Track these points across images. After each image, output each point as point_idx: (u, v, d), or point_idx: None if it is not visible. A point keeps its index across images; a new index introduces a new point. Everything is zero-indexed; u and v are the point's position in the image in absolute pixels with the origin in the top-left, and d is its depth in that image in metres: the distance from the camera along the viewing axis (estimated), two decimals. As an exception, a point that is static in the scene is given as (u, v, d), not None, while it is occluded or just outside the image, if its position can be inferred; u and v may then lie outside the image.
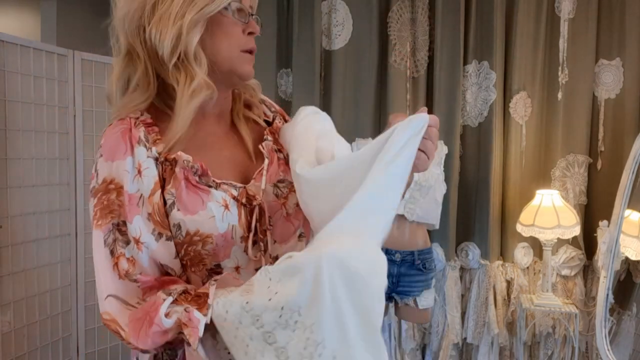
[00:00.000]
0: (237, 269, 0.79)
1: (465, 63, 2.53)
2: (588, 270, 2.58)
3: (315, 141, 0.82)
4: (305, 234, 0.87)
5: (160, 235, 0.75)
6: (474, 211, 2.57)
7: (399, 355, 2.63)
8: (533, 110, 2.55)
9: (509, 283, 2.58)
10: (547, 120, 2.56)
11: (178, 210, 0.75)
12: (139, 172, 0.74)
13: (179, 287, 0.73)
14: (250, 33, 0.86)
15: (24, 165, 2.15)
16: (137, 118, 0.79)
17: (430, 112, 2.53)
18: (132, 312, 0.72)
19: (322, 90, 2.60)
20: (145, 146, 0.76)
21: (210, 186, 0.77)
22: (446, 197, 2.32)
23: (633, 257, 2.30)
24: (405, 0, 2.53)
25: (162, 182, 0.76)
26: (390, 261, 2.03)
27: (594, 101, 2.54)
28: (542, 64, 2.54)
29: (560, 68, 2.52)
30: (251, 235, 0.78)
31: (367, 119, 2.57)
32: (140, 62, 0.79)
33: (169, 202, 0.75)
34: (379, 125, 2.57)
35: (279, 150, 0.87)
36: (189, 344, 0.66)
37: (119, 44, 0.85)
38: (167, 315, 0.68)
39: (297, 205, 0.81)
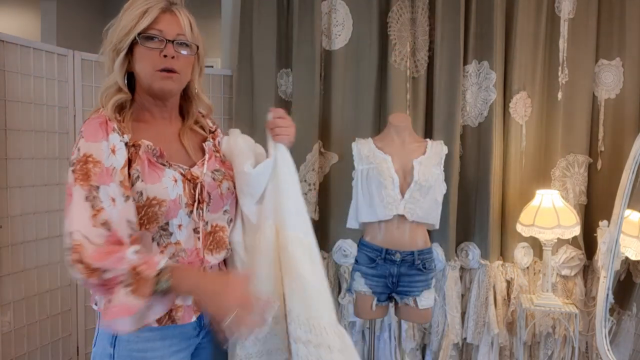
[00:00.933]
0: (179, 226, 1.10)
1: (465, 63, 2.53)
2: (588, 270, 2.58)
3: (254, 150, 1.28)
4: (229, 211, 1.21)
5: (127, 197, 1.02)
6: (474, 211, 2.57)
7: (399, 355, 2.63)
8: (533, 110, 2.55)
9: (509, 283, 2.58)
10: (547, 120, 2.56)
11: (142, 181, 1.04)
12: (113, 151, 1.03)
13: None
14: (165, 56, 1.07)
15: (24, 165, 2.15)
16: (112, 114, 1.09)
17: (430, 112, 2.50)
18: (98, 247, 0.96)
19: (322, 90, 2.60)
20: (118, 134, 1.05)
21: (164, 165, 1.09)
22: (446, 197, 2.32)
23: (633, 257, 2.30)
24: (405, 0, 2.53)
25: (129, 162, 1.05)
26: (391, 261, 2.03)
27: (594, 101, 2.54)
28: (542, 64, 2.54)
29: (560, 68, 2.52)
30: (196, 203, 1.11)
31: (367, 119, 2.57)
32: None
33: (134, 175, 1.05)
34: (378, 125, 2.57)
35: (217, 151, 1.23)
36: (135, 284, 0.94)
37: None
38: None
39: (229, 189, 1.18)
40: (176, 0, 1.13)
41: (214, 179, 1.16)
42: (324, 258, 2.65)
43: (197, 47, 1.13)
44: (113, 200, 1.00)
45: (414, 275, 2.04)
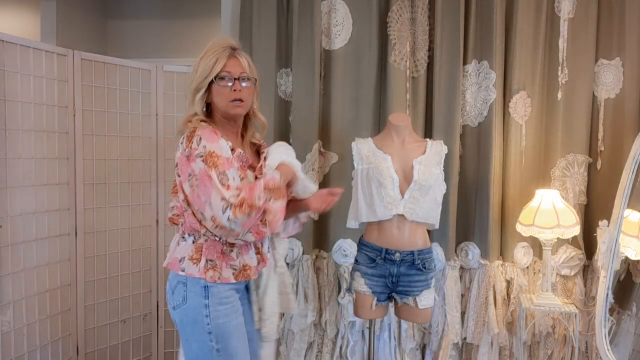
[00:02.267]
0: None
1: (465, 63, 2.53)
2: (588, 270, 2.58)
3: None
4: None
5: (242, 178, 1.50)
6: (474, 211, 2.57)
7: (399, 355, 2.63)
8: (533, 110, 2.55)
9: (509, 283, 2.58)
10: (547, 120, 2.56)
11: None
12: (226, 150, 1.48)
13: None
14: (234, 90, 1.53)
15: (24, 165, 2.15)
16: (211, 127, 1.53)
17: (430, 112, 2.52)
18: (248, 187, 1.46)
19: (322, 90, 2.60)
20: (225, 140, 1.50)
21: (248, 169, 1.57)
22: (446, 197, 2.32)
23: (633, 257, 2.30)
24: (405, 0, 2.53)
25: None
26: (390, 261, 2.03)
27: (594, 101, 2.54)
28: (542, 64, 2.54)
29: (560, 68, 2.52)
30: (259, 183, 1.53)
31: (367, 119, 2.57)
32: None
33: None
34: (378, 124, 2.57)
35: (265, 159, 1.66)
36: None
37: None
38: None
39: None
40: (237, 46, 1.57)
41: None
42: (324, 258, 2.66)
43: (255, 80, 1.59)
44: (234, 179, 1.44)
45: (414, 275, 2.04)
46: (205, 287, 1.50)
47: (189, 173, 1.43)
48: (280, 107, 2.66)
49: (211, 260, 1.51)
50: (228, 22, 2.80)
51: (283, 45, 2.64)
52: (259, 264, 1.61)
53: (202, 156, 1.41)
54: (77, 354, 2.42)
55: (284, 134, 2.65)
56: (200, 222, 1.47)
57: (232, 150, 1.50)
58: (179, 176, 1.49)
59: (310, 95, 2.55)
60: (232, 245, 1.53)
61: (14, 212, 2.11)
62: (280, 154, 1.63)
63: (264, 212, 1.42)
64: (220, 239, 1.51)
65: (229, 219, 1.38)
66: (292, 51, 2.58)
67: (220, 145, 1.45)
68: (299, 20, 2.54)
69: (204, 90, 1.51)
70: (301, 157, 2.56)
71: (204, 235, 1.52)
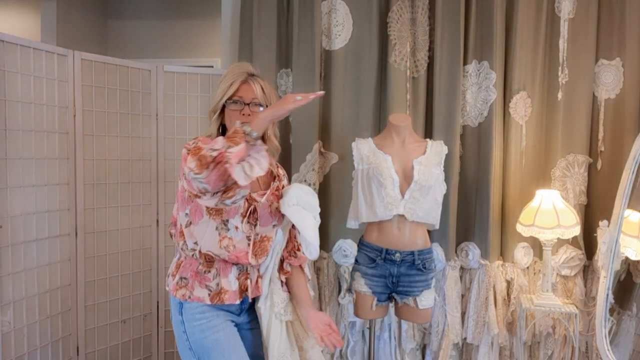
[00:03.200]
0: (236, 227, 1.53)
1: (465, 63, 2.53)
2: (588, 270, 2.58)
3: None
4: (277, 225, 1.65)
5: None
6: (474, 211, 2.57)
7: (399, 355, 2.63)
8: (533, 110, 2.55)
9: (509, 283, 2.58)
10: (547, 120, 2.56)
11: None
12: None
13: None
14: (243, 114, 1.55)
15: (24, 165, 2.15)
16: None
17: (430, 112, 2.52)
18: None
19: (322, 90, 2.60)
20: None
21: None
22: (446, 197, 2.32)
23: (633, 257, 2.30)
24: (405, 0, 2.53)
25: None
26: (390, 261, 2.03)
27: (594, 101, 2.54)
28: (542, 64, 2.54)
29: (560, 68, 2.52)
30: (245, 219, 1.54)
31: (367, 119, 2.57)
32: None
33: None
34: (378, 125, 2.57)
35: (277, 189, 1.66)
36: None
37: None
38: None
39: (277, 209, 1.62)
40: (254, 72, 1.61)
41: (266, 202, 1.58)
42: (324, 258, 2.65)
43: (268, 106, 1.56)
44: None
45: (414, 275, 2.04)
46: (179, 303, 1.55)
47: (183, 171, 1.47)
48: (280, 107, 2.66)
49: (184, 278, 1.55)
50: (228, 22, 2.80)
51: (283, 45, 2.64)
52: (243, 290, 1.57)
53: (192, 145, 1.44)
54: (77, 354, 2.42)
55: (284, 134, 2.65)
56: (180, 236, 1.55)
57: None
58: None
59: (310, 95, 2.55)
60: (210, 265, 1.54)
61: (14, 212, 2.11)
62: (298, 194, 1.63)
63: (220, 164, 1.30)
64: (198, 257, 1.54)
65: (191, 175, 1.32)
66: (292, 51, 2.58)
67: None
68: (299, 20, 2.54)
69: (218, 112, 1.58)
70: (301, 157, 2.56)
71: (182, 251, 1.57)
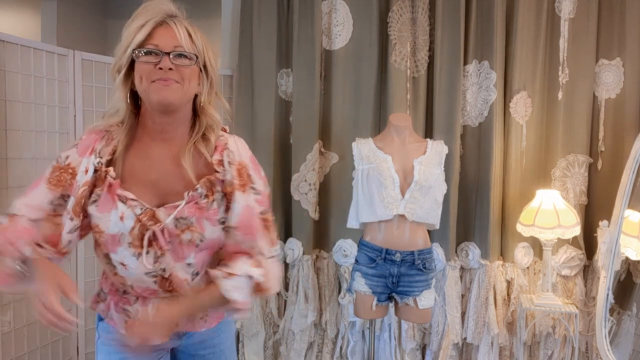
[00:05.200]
0: (122, 264, 1.10)
1: (465, 63, 2.53)
2: (588, 270, 2.58)
3: None
4: (194, 265, 1.13)
5: (72, 218, 1.08)
6: (474, 211, 2.57)
7: (399, 355, 2.62)
8: (533, 110, 2.55)
9: (509, 283, 2.57)
10: (548, 120, 2.56)
11: (96, 206, 1.08)
12: (86, 172, 1.09)
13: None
14: (160, 68, 1.04)
15: (24, 165, 2.15)
16: (108, 131, 1.13)
17: (430, 111, 2.52)
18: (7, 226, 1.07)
19: (322, 90, 2.60)
20: (95, 156, 1.09)
21: (121, 200, 1.07)
22: (446, 197, 2.32)
23: (633, 257, 2.30)
24: (405, 0, 2.53)
25: (94, 185, 1.09)
26: (391, 261, 2.03)
27: (594, 101, 2.54)
28: (543, 64, 2.54)
29: (560, 68, 2.52)
30: (144, 249, 1.07)
31: (367, 119, 2.57)
32: None
33: (93, 198, 1.08)
34: (379, 125, 2.57)
35: (207, 196, 1.10)
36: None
37: None
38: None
39: (190, 241, 1.09)
40: (174, 12, 1.08)
41: (176, 226, 1.08)
42: (324, 258, 2.66)
43: (198, 57, 1.07)
44: (65, 214, 1.09)
45: (414, 275, 2.04)
46: (98, 315, 1.27)
47: None
48: (281, 107, 2.66)
49: (103, 292, 1.24)
50: (228, 22, 2.80)
51: (283, 45, 2.64)
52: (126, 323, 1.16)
53: (56, 163, 1.15)
54: (77, 354, 2.42)
55: (284, 134, 2.65)
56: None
57: (101, 170, 1.09)
58: None
59: (310, 95, 2.55)
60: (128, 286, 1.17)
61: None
62: None
63: None
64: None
65: None
66: (292, 51, 2.58)
67: (84, 163, 1.09)
68: (299, 20, 2.54)
69: (124, 70, 1.07)
70: (301, 157, 2.56)
71: None
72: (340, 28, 2.57)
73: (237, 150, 1.15)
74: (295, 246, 2.59)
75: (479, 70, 2.53)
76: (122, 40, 1.07)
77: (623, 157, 2.35)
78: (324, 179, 2.64)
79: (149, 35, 1.04)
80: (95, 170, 1.08)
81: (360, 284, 2.06)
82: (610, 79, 2.51)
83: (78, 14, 4.46)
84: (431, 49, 2.55)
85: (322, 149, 2.62)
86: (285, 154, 2.63)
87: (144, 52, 1.04)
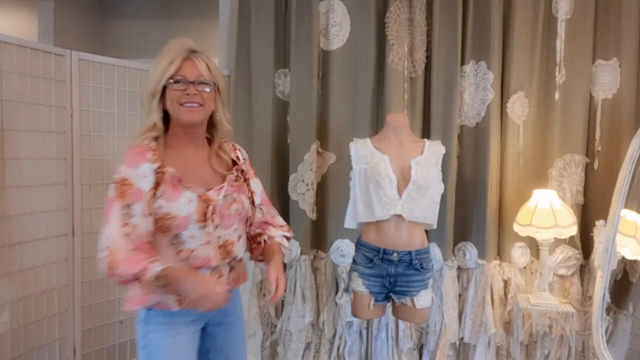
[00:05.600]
0: (191, 237, 1.38)
1: (462, 63, 2.53)
2: (585, 270, 2.59)
3: None
4: (238, 229, 1.48)
5: (150, 214, 1.34)
6: (472, 211, 2.58)
7: (396, 354, 2.63)
8: (530, 110, 2.55)
9: (506, 283, 2.58)
10: (545, 120, 2.56)
11: (163, 199, 1.35)
12: (144, 177, 1.35)
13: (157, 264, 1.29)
14: (187, 94, 1.38)
15: (21, 166, 2.14)
16: (148, 145, 1.40)
17: (427, 112, 2.53)
18: (122, 254, 1.29)
19: (319, 90, 2.60)
20: (150, 163, 1.36)
21: (184, 187, 1.38)
22: (444, 197, 2.31)
23: (629, 257, 2.31)
24: (403, 0, 2.54)
25: (157, 184, 1.36)
26: (388, 261, 2.03)
27: (591, 101, 2.55)
28: (540, 64, 2.55)
29: (557, 68, 2.53)
30: (209, 221, 1.39)
31: (364, 119, 2.57)
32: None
33: (158, 195, 1.35)
34: (376, 125, 2.57)
35: (237, 179, 1.51)
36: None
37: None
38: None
39: (236, 210, 1.46)
40: (195, 49, 1.42)
41: (225, 200, 1.43)
42: (321, 258, 2.66)
43: (215, 84, 1.43)
44: (141, 215, 1.33)
45: (412, 275, 2.04)
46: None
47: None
48: (278, 107, 2.66)
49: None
50: (226, 22, 2.80)
51: (281, 45, 2.64)
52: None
53: (115, 182, 1.35)
54: (74, 355, 2.41)
55: (281, 134, 2.65)
56: None
57: (160, 172, 1.36)
58: None
59: (308, 96, 2.55)
60: None
61: (11, 212, 2.10)
62: None
63: (123, 284, 1.32)
64: None
65: (101, 259, 1.30)
66: (290, 51, 2.58)
67: (139, 171, 1.34)
68: (297, 20, 2.54)
69: (158, 95, 1.40)
70: (299, 157, 2.57)
71: None
72: (337, 28, 2.57)
73: (242, 150, 1.60)
74: (292, 246, 2.59)
75: (476, 70, 2.54)
76: (155, 72, 1.41)
77: (619, 157, 2.36)
78: (321, 179, 2.64)
79: (178, 68, 1.38)
80: (155, 173, 1.35)
81: (358, 284, 2.06)
82: (606, 79, 2.52)
83: (75, 13, 4.45)
84: (428, 50, 2.56)
85: (320, 149, 2.62)
86: (283, 154, 2.63)
87: (174, 81, 1.38)
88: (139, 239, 1.32)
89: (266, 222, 1.59)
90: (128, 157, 1.37)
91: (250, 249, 1.59)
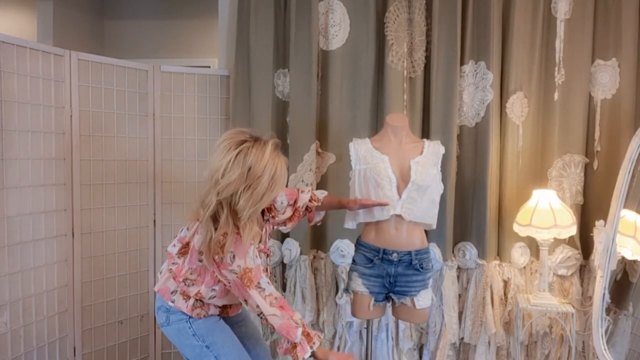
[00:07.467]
0: (265, 269, 1.67)
1: (462, 63, 2.54)
2: (584, 270, 2.59)
3: None
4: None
5: (269, 282, 1.63)
6: (471, 211, 2.58)
7: (396, 355, 2.63)
8: (530, 110, 2.55)
9: (506, 283, 2.58)
10: (544, 120, 2.57)
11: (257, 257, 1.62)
12: (256, 255, 1.60)
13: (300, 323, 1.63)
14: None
15: (20, 166, 2.14)
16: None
17: (427, 112, 2.53)
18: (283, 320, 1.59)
19: (319, 90, 2.60)
20: (252, 244, 1.59)
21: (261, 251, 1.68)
22: (443, 197, 2.31)
23: (629, 257, 2.31)
24: (402, 0, 2.54)
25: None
26: (388, 261, 2.03)
27: (590, 101, 2.55)
28: (539, 64, 2.55)
29: (556, 68, 2.53)
30: (269, 268, 1.77)
31: (364, 119, 2.57)
32: (223, 213, 1.52)
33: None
34: (376, 125, 2.57)
35: (269, 223, 1.81)
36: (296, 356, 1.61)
37: (208, 202, 1.52)
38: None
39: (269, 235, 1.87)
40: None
41: (268, 239, 1.80)
42: (321, 258, 2.66)
43: None
44: (268, 283, 1.59)
45: (411, 275, 2.04)
46: (189, 316, 1.65)
47: (225, 276, 1.57)
48: (278, 107, 2.66)
49: (200, 301, 1.65)
50: (225, 22, 2.80)
51: (280, 45, 2.64)
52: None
53: (236, 273, 1.53)
54: (74, 355, 2.41)
55: (281, 134, 2.65)
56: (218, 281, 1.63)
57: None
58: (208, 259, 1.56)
59: (307, 96, 2.55)
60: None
61: (11, 212, 2.10)
62: None
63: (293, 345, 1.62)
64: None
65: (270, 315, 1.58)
66: (289, 51, 2.58)
67: (250, 257, 1.54)
68: (296, 20, 2.54)
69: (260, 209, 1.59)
70: (299, 157, 2.57)
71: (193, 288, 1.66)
72: (337, 28, 2.57)
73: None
74: (292, 246, 2.59)
75: (475, 70, 2.54)
76: (268, 188, 1.57)
77: (619, 157, 2.36)
78: (321, 179, 2.64)
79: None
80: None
81: (358, 284, 2.06)
82: (606, 79, 2.52)
83: (74, 14, 4.45)
84: (428, 50, 2.56)
85: (319, 150, 2.62)
86: (283, 154, 2.63)
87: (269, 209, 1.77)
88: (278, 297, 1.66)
89: (295, 201, 1.90)
90: (236, 252, 1.55)
91: (308, 219, 2.02)
